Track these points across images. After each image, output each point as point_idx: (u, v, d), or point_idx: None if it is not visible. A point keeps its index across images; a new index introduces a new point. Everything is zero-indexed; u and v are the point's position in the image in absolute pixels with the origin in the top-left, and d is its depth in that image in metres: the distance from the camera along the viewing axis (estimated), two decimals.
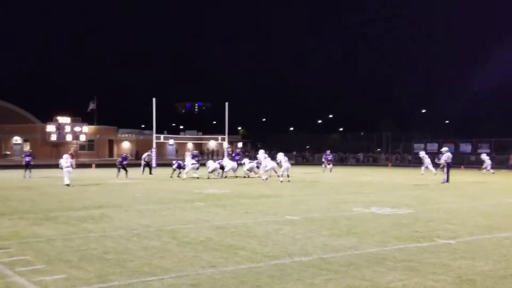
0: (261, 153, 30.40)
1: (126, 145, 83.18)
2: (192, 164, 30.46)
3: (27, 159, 31.59)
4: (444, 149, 28.63)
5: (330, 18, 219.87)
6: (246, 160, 33.61)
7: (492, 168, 39.81)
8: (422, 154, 36.33)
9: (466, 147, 62.90)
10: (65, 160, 25.82)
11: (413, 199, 18.71)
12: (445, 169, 27.18)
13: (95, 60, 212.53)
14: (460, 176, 34.36)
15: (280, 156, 28.71)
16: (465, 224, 12.41)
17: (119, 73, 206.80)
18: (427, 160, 34.40)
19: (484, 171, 39.16)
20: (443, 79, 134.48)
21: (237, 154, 43.71)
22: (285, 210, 14.92)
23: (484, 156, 40.79)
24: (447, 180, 26.74)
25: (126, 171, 30.28)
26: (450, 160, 27.60)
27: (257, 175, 31.26)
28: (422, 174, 34.17)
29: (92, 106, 77.56)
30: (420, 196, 19.82)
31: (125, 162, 30.70)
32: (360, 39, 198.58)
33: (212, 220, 12.88)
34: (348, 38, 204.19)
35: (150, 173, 34.80)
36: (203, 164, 33.96)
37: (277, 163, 28.82)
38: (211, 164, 31.17)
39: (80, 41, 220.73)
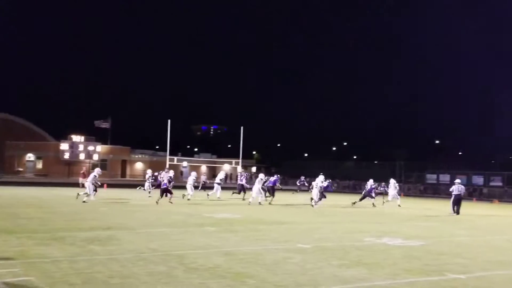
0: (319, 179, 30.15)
1: (139, 166, 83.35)
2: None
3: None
4: (457, 180, 28.90)
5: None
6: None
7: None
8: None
9: (478, 179, 62.76)
10: None
11: (425, 230, 18.49)
12: (451, 200, 27.41)
13: (112, 79, 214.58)
14: (472, 208, 34.02)
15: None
16: (477, 259, 12.21)
17: (136, 93, 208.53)
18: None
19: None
20: (458, 112, 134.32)
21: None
22: (297, 238, 14.74)
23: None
24: (454, 212, 26.85)
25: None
26: (457, 192, 27.37)
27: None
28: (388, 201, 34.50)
29: (104, 124, 77.63)
30: (432, 228, 19.60)
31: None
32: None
33: (222, 246, 12.73)
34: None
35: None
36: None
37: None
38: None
39: (96, 61, 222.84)
